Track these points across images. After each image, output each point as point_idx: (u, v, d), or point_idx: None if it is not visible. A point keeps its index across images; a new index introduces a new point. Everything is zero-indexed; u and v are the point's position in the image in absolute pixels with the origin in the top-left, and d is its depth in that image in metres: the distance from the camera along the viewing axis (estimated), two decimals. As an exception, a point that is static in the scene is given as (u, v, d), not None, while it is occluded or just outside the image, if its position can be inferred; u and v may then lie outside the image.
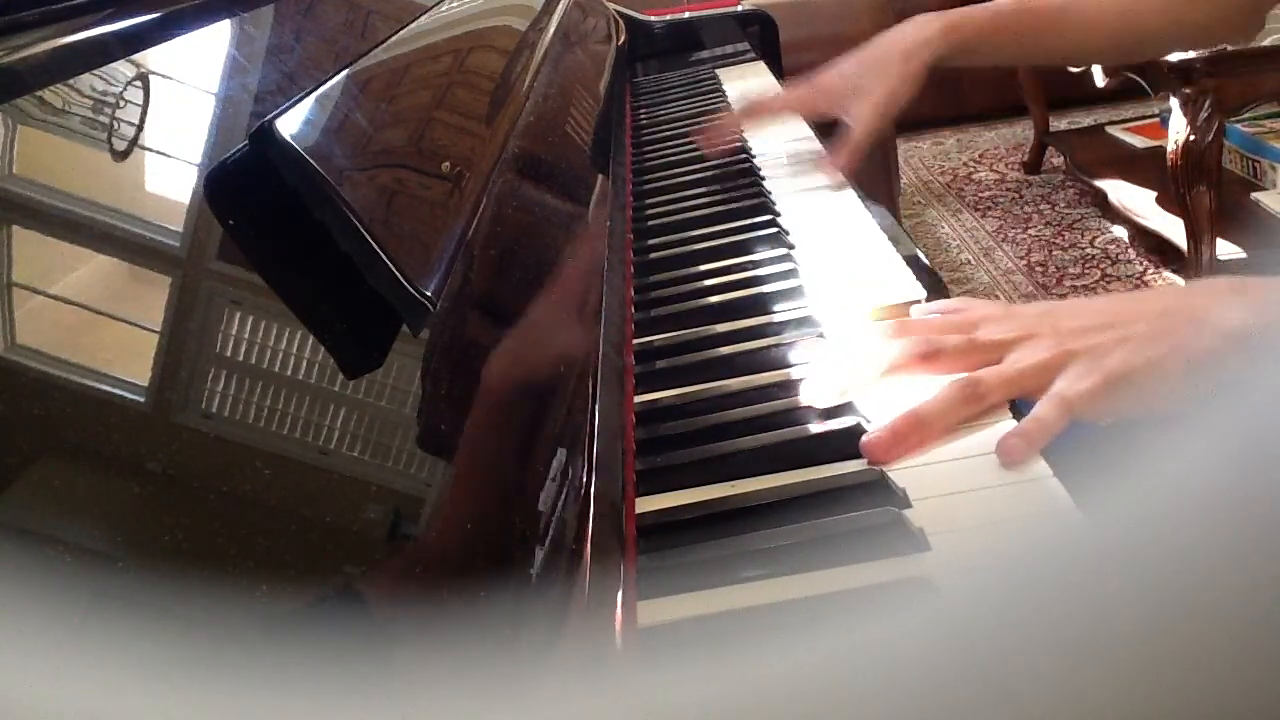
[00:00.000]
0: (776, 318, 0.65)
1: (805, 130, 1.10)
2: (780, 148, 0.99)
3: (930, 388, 0.52)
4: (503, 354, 0.48)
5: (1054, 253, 2.53)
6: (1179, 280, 2.20)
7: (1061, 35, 0.92)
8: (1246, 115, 2.23)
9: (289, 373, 0.37)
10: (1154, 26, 0.90)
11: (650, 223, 0.87)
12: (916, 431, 0.50)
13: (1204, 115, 1.96)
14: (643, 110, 1.25)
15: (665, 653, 0.40)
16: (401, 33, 0.61)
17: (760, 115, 1.00)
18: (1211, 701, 0.19)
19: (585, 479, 0.43)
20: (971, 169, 3.17)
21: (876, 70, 0.89)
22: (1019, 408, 0.52)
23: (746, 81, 1.32)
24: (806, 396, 0.55)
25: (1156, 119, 2.55)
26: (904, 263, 0.71)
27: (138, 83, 0.43)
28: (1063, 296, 2.27)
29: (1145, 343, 0.51)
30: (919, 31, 0.90)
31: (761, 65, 1.38)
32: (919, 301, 0.64)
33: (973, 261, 2.57)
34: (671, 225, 0.86)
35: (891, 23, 2.30)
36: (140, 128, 0.41)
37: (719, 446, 0.52)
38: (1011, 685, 0.20)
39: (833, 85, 0.92)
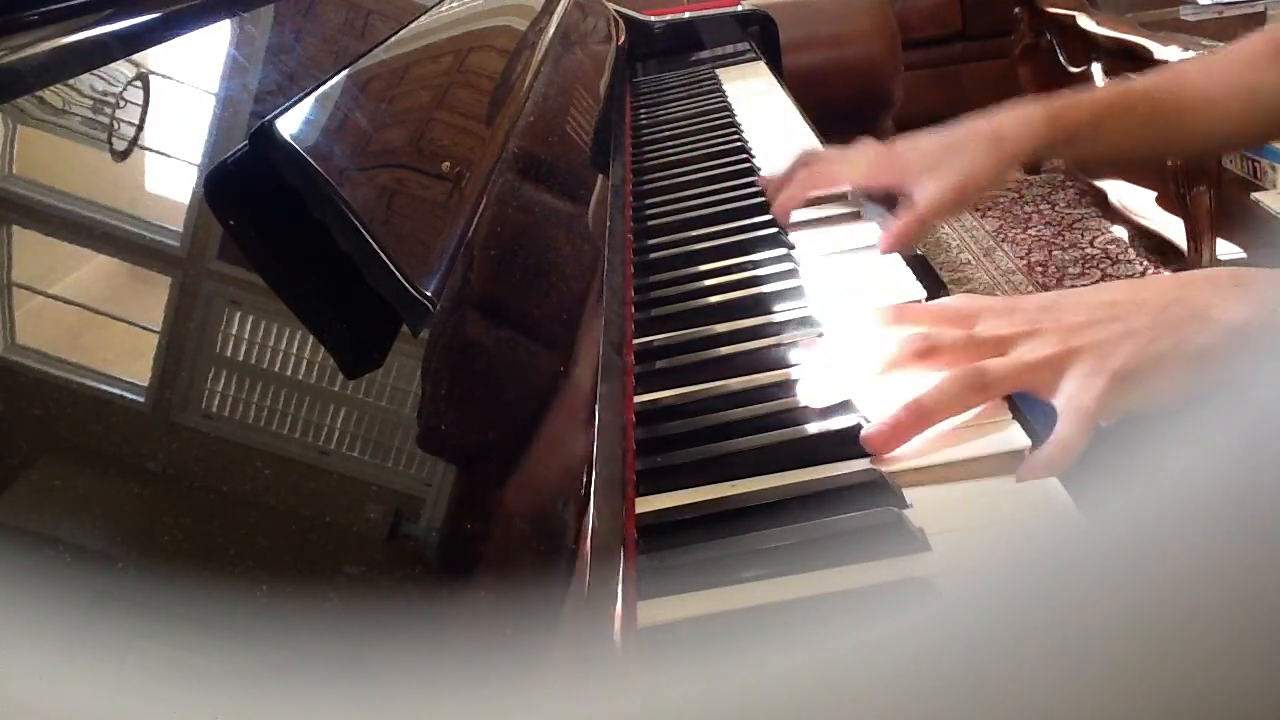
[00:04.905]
0: (776, 318, 0.65)
1: (804, 128, 1.10)
2: (779, 146, 0.99)
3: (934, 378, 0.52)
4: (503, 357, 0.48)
5: (1054, 253, 2.53)
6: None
7: (1183, 122, 0.82)
8: (1246, 115, 2.23)
9: (289, 373, 0.37)
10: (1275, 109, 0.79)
11: (650, 223, 0.87)
12: (918, 422, 0.50)
13: (1204, 115, 1.95)
14: (643, 110, 1.25)
15: (665, 653, 0.40)
16: (401, 33, 0.61)
17: (823, 187, 0.84)
18: (1213, 703, 0.19)
19: (585, 479, 0.43)
20: (971, 169, 3.16)
21: (960, 150, 0.78)
22: (1019, 407, 0.52)
23: (747, 81, 1.32)
24: (805, 395, 0.55)
25: (1157, 119, 2.55)
26: (904, 263, 0.71)
27: (138, 83, 0.43)
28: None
29: (1148, 338, 0.50)
30: (1018, 117, 0.79)
31: (762, 65, 1.38)
32: (919, 302, 0.64)
33: (973, 261, 2.57)
34: (671, 225, 0.86)
35: (892, 22, 2.28)
36: (140, 128, 0.41)
37: (719, 446, 0.52)
38: (1012, 686, 0.20)
39: (907, 156, 0.80)
